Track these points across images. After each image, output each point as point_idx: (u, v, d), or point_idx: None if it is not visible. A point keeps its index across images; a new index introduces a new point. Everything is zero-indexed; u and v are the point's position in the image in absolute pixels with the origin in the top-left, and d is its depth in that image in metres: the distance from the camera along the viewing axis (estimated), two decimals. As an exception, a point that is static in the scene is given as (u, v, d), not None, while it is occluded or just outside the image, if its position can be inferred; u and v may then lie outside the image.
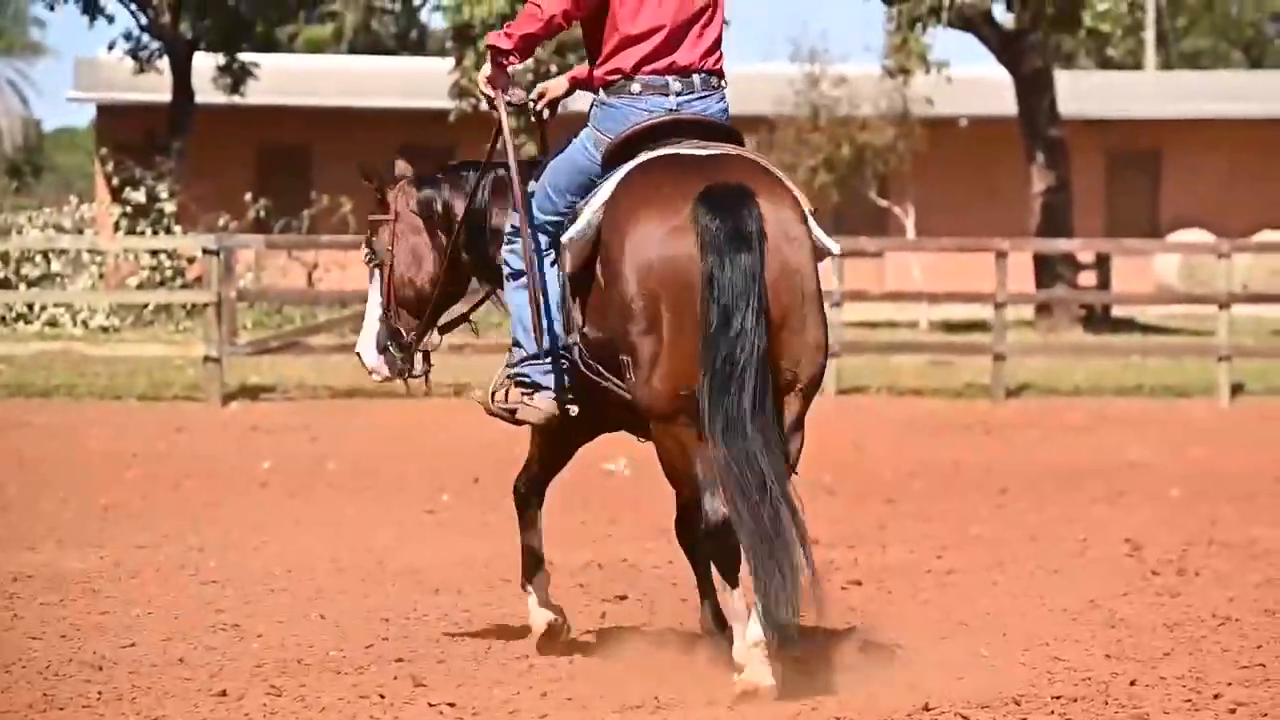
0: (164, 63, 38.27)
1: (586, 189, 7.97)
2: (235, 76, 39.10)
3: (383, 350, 8.72)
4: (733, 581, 7.51)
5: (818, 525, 12.54)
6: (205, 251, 23.40)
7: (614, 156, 7.88)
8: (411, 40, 59.86)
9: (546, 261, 8.12)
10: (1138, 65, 54.97)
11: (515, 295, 8.22)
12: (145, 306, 29.05)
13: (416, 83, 40.90)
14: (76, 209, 32.90)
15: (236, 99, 39.31)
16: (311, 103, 41.97)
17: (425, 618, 9.69)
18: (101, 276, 30.54)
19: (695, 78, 7.92)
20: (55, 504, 14.60)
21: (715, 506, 7.36)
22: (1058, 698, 7.64)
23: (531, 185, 8.18)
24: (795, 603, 7.19)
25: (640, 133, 7.85)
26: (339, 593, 10.42)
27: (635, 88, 7.89)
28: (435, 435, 19.39)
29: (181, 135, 37.45)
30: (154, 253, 29.98)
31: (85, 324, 28.99)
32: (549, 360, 8.08)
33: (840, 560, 11.59)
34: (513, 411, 8.18)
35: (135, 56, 38.45)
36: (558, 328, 8.07)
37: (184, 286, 29.28)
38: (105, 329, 28.70)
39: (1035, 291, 30.35)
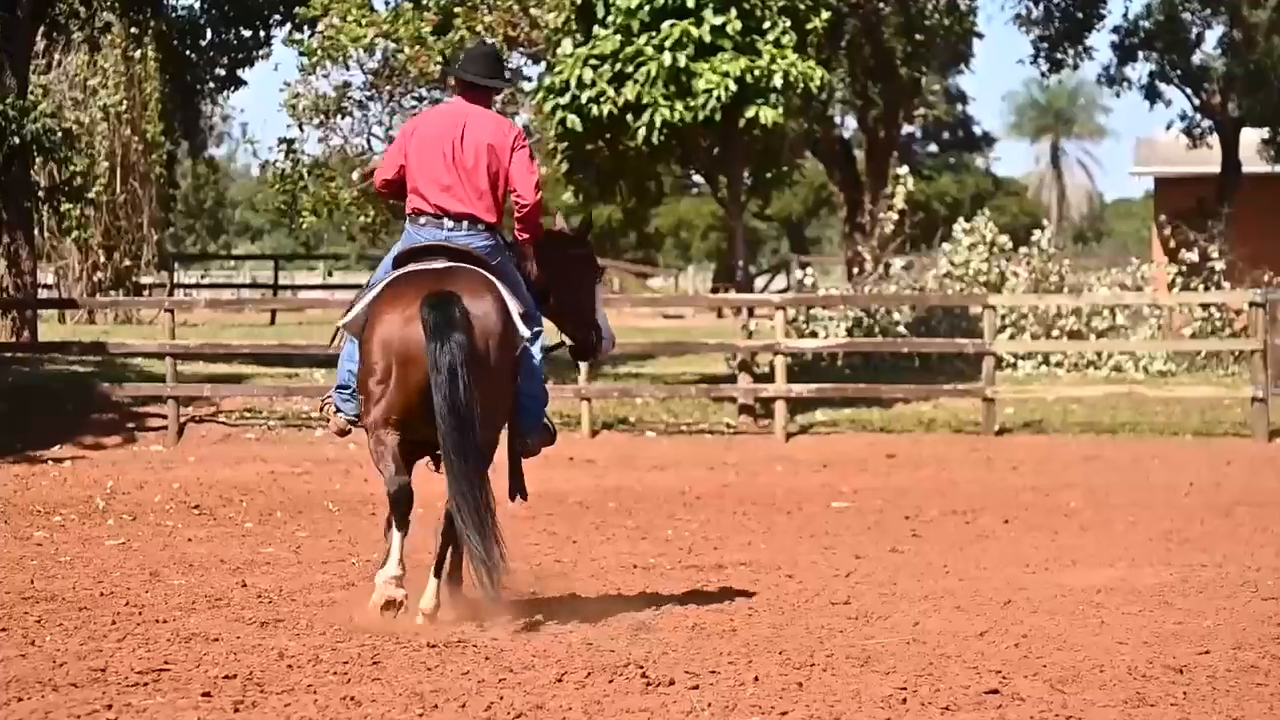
0: (1214, 138, 37.56)
1: None
2: (1279, 148, 37.88)
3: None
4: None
5: None
6: (1252, 304, 22.81)
7: (396, 264, 9.53)
8: None
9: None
10: None
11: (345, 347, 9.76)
12: (1198, 353, 28.44)
13: None
14: (1137, 269, 32.62)
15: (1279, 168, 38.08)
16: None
17: None
18: (1160, 327, 30.14)
19: (464, 221, 9.45)
20: (1125, 526, 14.47)
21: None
22: None
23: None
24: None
25: (411, 251, 9.49)
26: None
27: (422, 220, 9.53)
28: None
29: (1229, 201, 36.60)
30: (1205, 306, 29.33)
31: (1146, 369, 28.65)
32: (347, 392, 9.67)
33: None
34: (327, 421, 10.00)
35: (1189, 134, 37.89)
36: (351, 372, 9.58)
37: (1232, 335, 28.50)
38: (1163, 373, 28.27)
39: None
